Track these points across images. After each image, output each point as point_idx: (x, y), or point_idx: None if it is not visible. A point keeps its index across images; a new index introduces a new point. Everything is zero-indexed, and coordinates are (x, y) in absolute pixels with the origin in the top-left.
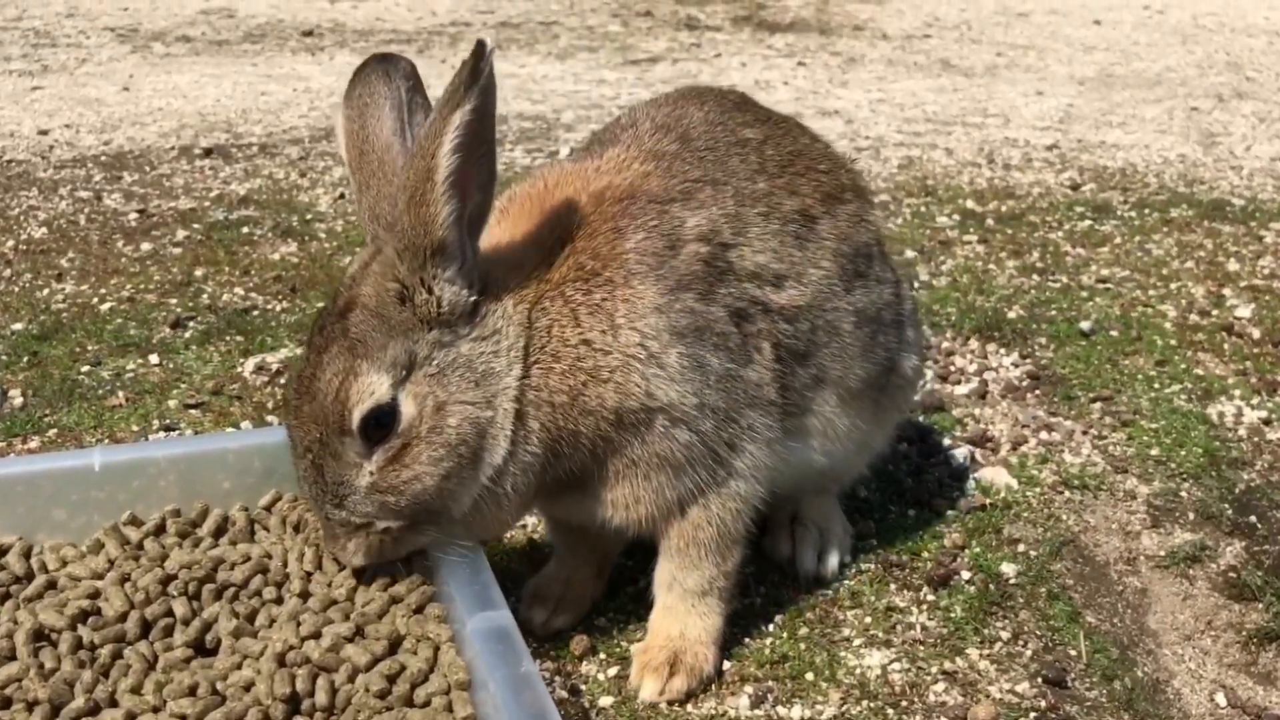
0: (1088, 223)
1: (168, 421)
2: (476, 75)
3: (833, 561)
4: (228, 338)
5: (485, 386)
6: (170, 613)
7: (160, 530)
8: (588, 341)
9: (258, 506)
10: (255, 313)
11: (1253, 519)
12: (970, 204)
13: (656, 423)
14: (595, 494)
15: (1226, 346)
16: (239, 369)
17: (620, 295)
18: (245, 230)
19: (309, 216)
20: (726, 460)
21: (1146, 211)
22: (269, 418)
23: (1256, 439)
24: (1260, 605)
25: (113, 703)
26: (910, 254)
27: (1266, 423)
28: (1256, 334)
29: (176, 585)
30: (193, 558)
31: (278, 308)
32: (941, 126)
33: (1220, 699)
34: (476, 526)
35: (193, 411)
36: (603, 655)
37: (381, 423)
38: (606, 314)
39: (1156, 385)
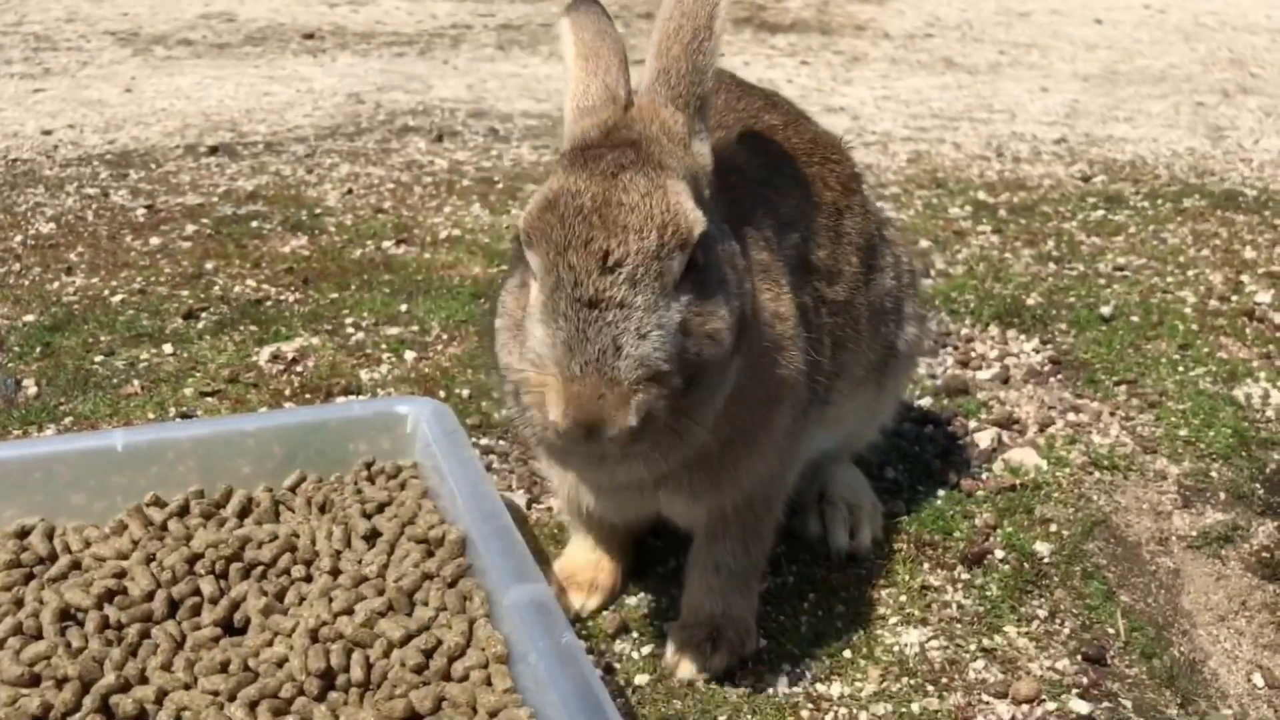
0: (1101, 212)
1: (184, 409)
2: None
3: (865, 537)
4: (241, 328)
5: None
6: (198, 592)
7: (184, 511)
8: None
9: (282, 488)
10: (268, 303)
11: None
12: (982, 195)
13: (779, 405)
14: (680, 483)
15: (1249, 331)
16: (254, 357)
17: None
18: (254, 225)
19: (318, 211)
20: (791, 451)
21: (1159, 202)
22: (286, 404)
23: None
24: None
25: (143, 679)
26: (925, 243)
27: None
28: (1279, 319)
29: (203, 564)
30: (219, 537)
31: (290, 299)
32: (948, 122)
33: (1258, 679)
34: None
35: (209, 399)
36: (636, 634)
37: (699, 255)
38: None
39: (1181, 368)
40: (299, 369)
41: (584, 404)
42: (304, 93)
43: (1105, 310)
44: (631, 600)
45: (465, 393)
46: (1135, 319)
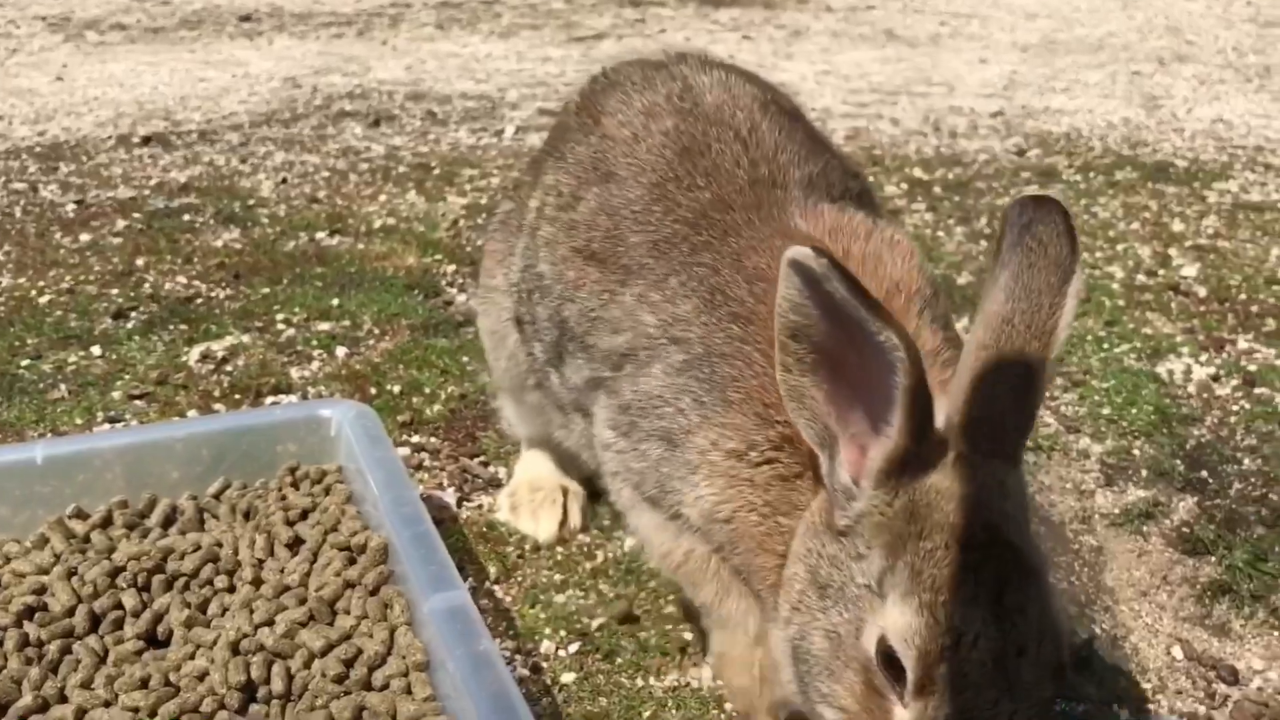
0: (1034, 188)
1: (112, 413)
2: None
3: None
4: (171, 327)
5: None
6: (120, 605)
7: (107, 522)
8: None
9: (206, 495)
10: (199, 301)
11: (1204, 474)
12: (918, 172)
13: None
14: None
15: (1174, 305)
16: (184, 358)
17: None
18: (186, 218)
19: (251, 202)
20: None
21: (1092, 175)
22: (216, 405)
23: (1206, 395)
24: (1213, 559)
25: (62, 698)
26: None
27: (1215, 379)
28: (1202, 292)
29: (125, 577)
30: (141, 549)
31: (221, 295)
32: (887, 96)
33: (1177, 652)
34: None
35: (138, 402)
36: (563, 633)
37: None
38: None
39: (1106, 345)
40: (229, 368)
41: None
42: (240, 78)
43: None
44: (560, 599)
45: (396, 389)
46: None
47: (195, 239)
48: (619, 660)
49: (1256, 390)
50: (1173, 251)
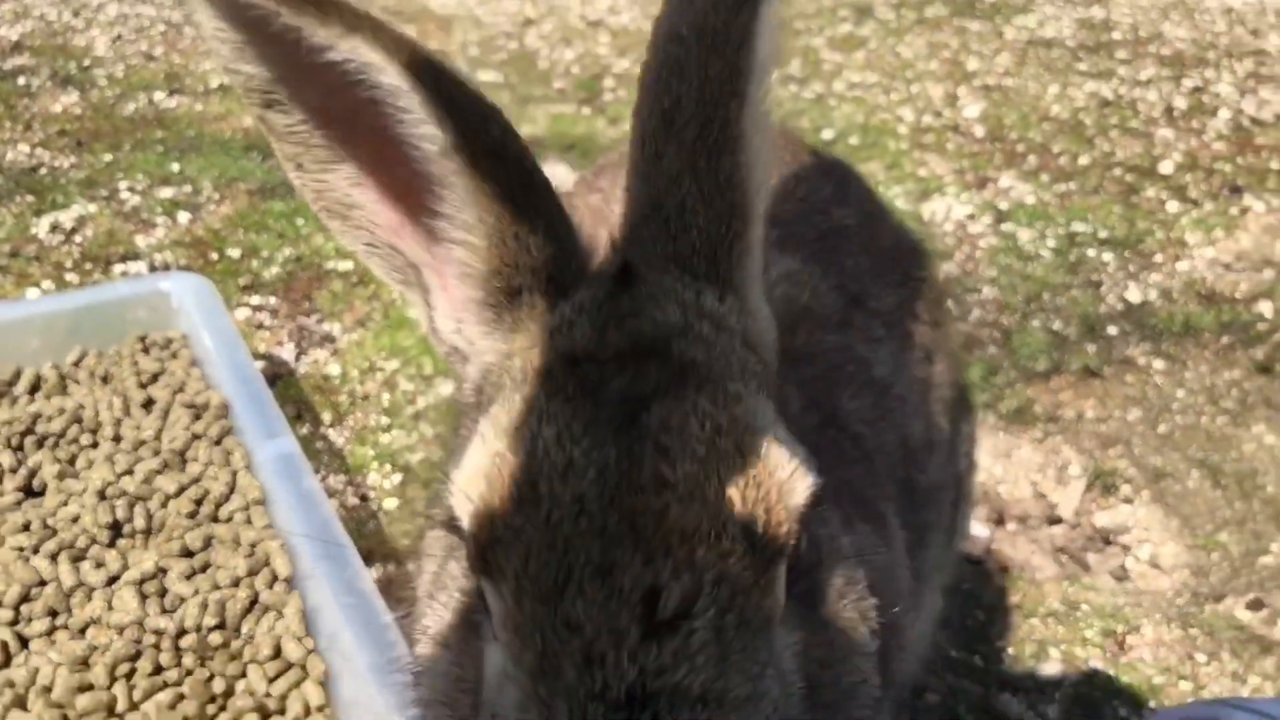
0: (848, 27)
1: None
2: None
3: None
4: (19, 198)
5: None
6: None
7: None
8: None
9: (66, 363)
10: (43, 171)
11: (949, 303)
12: None
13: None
14: None
15: (950, 146)
16: (34, 230)
17: None
18: (22, 81)
19: (87, 63)
20: None
21: (903, 11)
22: (68, 276)
23: (960, 233)
24: None
25: None
26: None
27: (970, 217)
28: (980, 132)
29: (0, 439)
30: (13, 414)
31: (65, 164)
32: None
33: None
34: None
35: None
36: (387, 467)
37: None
38: None
39: (884, 188)
40: (78, 239)
41: None
42: None
43: (828, 134)
44: (385, 438)
45: (236, 254)
46: (854, 140)
47: (34, 104)
48: (434, 487)
49: (1003, 226)
50: (962, 91)
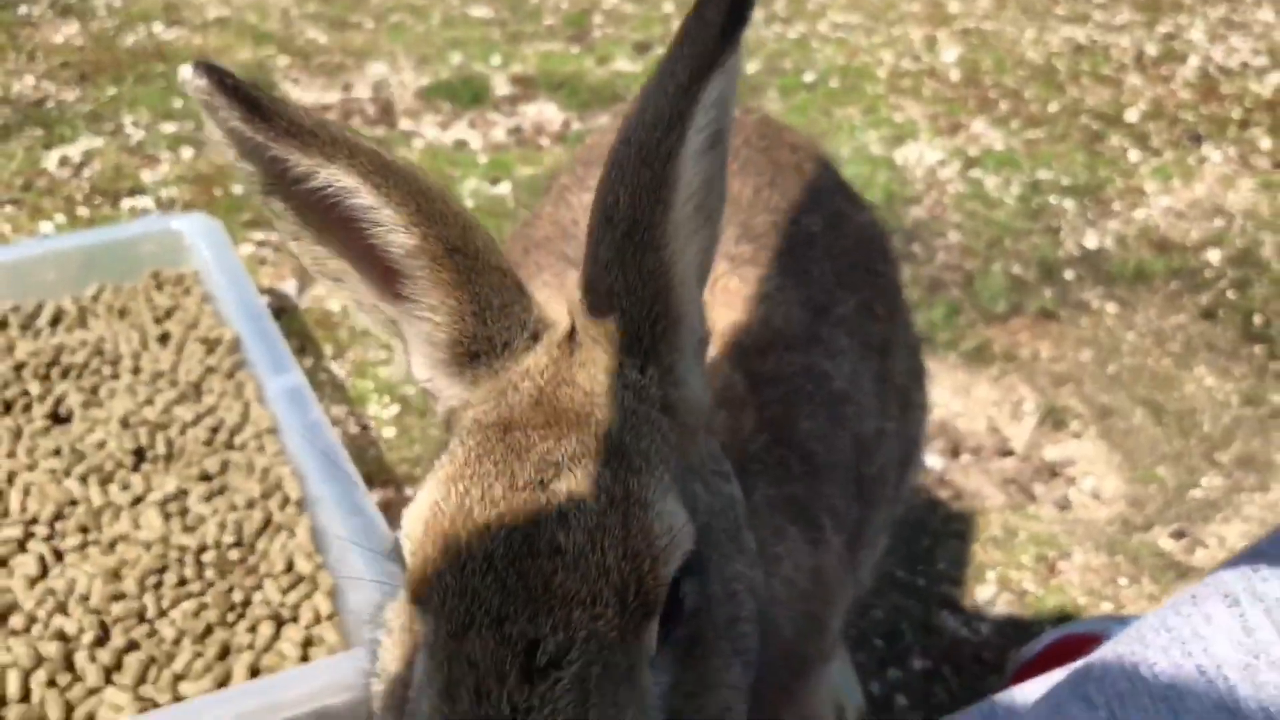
0: None
1: None
2: (740, 17)
3: None
4: (26, 131)
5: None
6: (26, 393)
7: (4, 325)
8: None
9: (85, 298)
10: (49, 104)
11: (916, 247)
12: None
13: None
14: None
15: (926, 91)
16: (44, 163)
17: None
18: (23, 11)
19: None
20: None
21: None
22: (79, 210)
23: (930, 179)
24: (918, 315)
25: None
26: (667, 8)
27: (942, 163)
28: (956, 77)
29: (28, 370)
30: (38, 345)
31: (70, 97)
32: None
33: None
34: None
35: (8, 208)
36: (386, 398)
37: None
38: None
39: (859, 133)
40: (86, 173)
41: None
42: None
43: (810, 77)
44: (383, 371)
45: (239, 189)
46: (834, 84)
47: (35, 34)
48: (429, 417)
49: (972, 173)
50: (941, 34)
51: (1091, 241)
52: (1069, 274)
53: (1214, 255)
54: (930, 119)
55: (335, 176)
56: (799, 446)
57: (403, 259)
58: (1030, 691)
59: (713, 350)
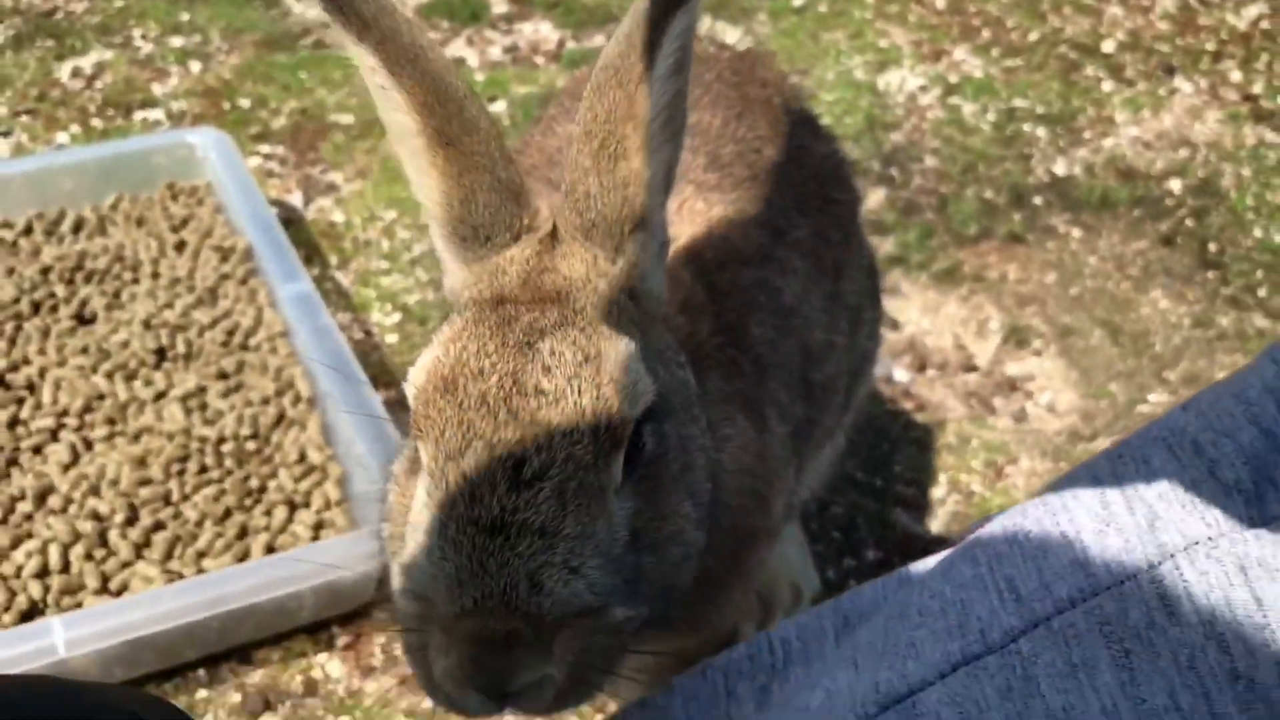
0: None
1: (4, 129)
2: None
3: None
4: (39, 42)
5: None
6: (53, 295)
7: (29, 231)
8: None
9: (104, 207)
10: (59, 15)
11: (894, 171)
12: None
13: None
14: None
15: (912, 17)
16: (57, 74)
17: None
18: None
19: None
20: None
21: None
22: (93, 121)
23: (910, 104)
24: (892, 237)
25: (26, 361)
26: None
27: (922, 89)
28: (941, 4)
29: (54, 274)
30: (62, 251)
31: (79, 8)
32: None
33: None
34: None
35: (24, 118)
36: (388, 306)
37: (648, 438)
38: None
39: (845, 58)
40: (98, 85)
41: (483, 646)
42: None
43: (798, 1)
44: (385, 281)
45: (246, 104)
46: (823, 8)
47: None
48: (429, 324)
49: (951, 100)
50: None
51: (1061, 169)
52: (1038, 200)
53: (1176, 185)
54: (914, 45)
55: (362, 56)
56: (749, 349)
57: (406, 137)
58: (936, 559)
59: (678, 263)
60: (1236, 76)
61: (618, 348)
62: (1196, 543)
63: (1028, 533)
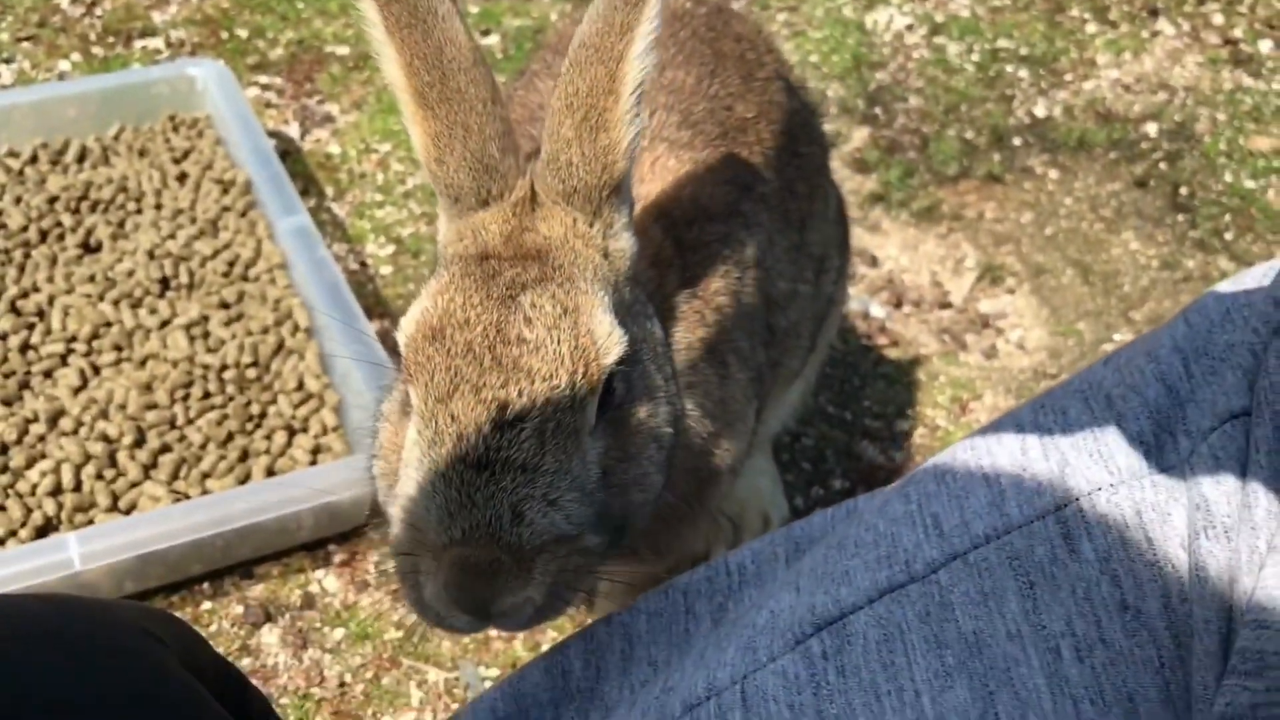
0: None
1: (6, 55)
2: None
3: None
4: None
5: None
6: (60, 224)
7: (34, 160)
8: None
9: (107, 137)
10: None
11: (878, 110)
12: None
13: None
14: None
15: None
16: (56, 0)
17: None
18: None
19: None
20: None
21: None
22: (94, 49)
23: (896, 43)
24: (874, 176)
25: (35, 289)
26: None
27: (909, 28)
28: None
29: (60, 203)
30: (68, 180)
31: None
32: None
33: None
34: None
35: (25, 44)
36: (382, 238)
37: (619, 385)
38: None
39: None
40: (98, 11)
41: (470, 572)
42: None
43: None
44: (380, 214)
45: (244, 34)
46: None
47: None
48: (423, 257)
49: (936, 39)
50: None
51: (1041, 110)
52: (1017, 140)
53: (1152, 128)
54: None
55: (366, 7)
56: (712, 301)
57: (396, 89)
58: (880, 494)
59: (649, 220)
60: (1219, 20)
61: (593, 302)
62: (1099, 488)
63: (954, 473)
